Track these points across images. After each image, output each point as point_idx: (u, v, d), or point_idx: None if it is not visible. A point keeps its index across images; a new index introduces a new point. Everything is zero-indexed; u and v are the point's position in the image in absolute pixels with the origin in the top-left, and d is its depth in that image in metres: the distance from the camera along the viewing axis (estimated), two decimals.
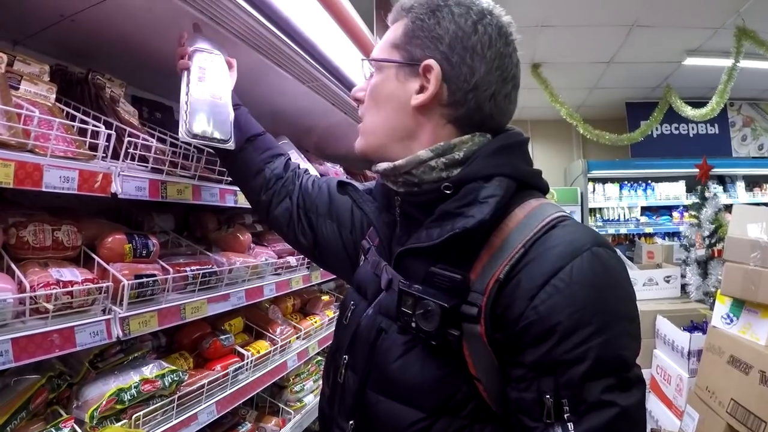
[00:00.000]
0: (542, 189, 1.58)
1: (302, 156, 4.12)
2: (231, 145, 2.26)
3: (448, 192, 1.46)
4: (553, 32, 8.62)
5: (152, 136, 2.58)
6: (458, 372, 1.38)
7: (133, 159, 2.19)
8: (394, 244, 1.67)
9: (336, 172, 5.05)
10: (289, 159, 2.42)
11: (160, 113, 3.12)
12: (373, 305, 1.63)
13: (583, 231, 1.37)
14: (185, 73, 2.31)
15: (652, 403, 5.02)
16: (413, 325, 1.38)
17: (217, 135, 2.20)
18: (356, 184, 1.87)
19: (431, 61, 1.48)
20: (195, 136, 2.15)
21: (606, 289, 1.29)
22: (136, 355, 2.38)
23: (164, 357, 2.62)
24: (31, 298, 1.75)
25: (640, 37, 8.90)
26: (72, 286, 1.87)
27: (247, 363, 2.94)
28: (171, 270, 2.33)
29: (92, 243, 2.23)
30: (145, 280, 2.17)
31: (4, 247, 1.94)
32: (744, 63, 8.87)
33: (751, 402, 2.92)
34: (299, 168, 2.39)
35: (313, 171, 3.76)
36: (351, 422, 1.57)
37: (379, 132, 1.61)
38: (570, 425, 1.21)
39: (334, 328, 1.90)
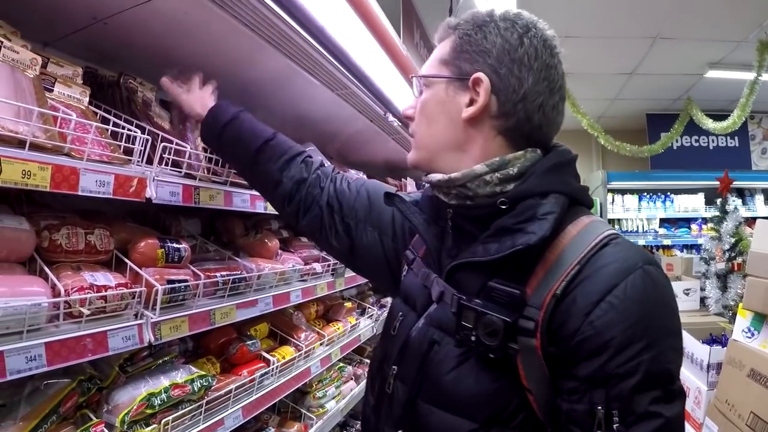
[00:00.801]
0: (589, 205, 1.61)
1: (328, 164, 4.09)
2: None
3: (503, 207, 1.48)
4: (577, 43, 8.59)
5: (183, 140, 2.55)
6: (511, 384, 1.41)
7: (166, 164, 2.19)
8: (443, 256, 1.68)
9: (358, 178, 5.01)
10: (309, 156, 2.35)
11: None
12: (423, 317, 1.65)
13: (634, 249, 1.42)
14: None
15: None
16: (473, 338, 1.41)
17: None
18: (402, 195, 1.84)
19: (480, 74, 1.51)
20: None
21: (656, 306, 1.34)
22: (165, 359, 2.39)
23: (191, 361, 2.64)
24: (65, 302, 1.75)
25: (662, 50, 8.89)
26: (106, 291, 1.88)
27: (273, 368, 2.96)
28: (202, 275, 2.34)
29: (124, 247, 2.24)
30: (177, 285, 2.18)
31: (37, 251, 1.93)
32: (766, 76, 8.84)
33: None
34: (324, 166, 2.35)
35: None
36: (399, 431, 1.59)
37: (432, 145, 1.65)
38: None
39: (380, 336, 1.92)
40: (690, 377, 4.53)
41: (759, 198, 12.85)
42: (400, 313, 1.76)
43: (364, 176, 5.01)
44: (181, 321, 2.16)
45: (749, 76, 8.85)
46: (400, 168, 6.79)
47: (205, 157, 2.47)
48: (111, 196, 1.83)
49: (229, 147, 2.31)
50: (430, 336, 1.58)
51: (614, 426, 1.28)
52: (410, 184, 6.29)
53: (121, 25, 2.33)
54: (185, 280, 2.23)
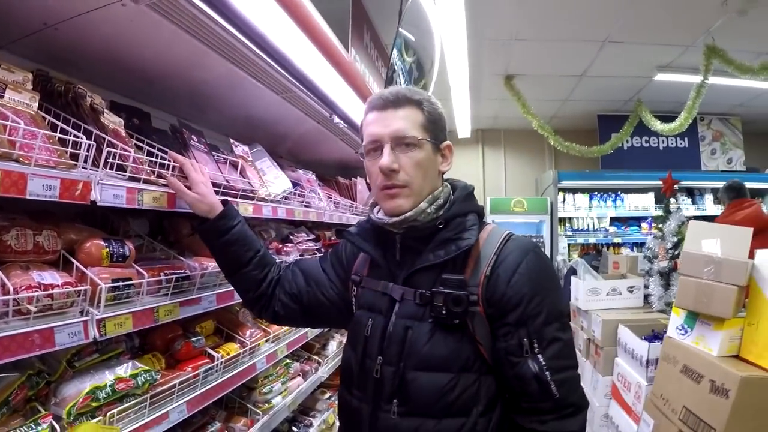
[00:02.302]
0: (484, 216, 2.36)
1: (275, 164, 4.21)
2: None
3: (441, 226, 2.16)
4: (526, 45, 8.74)
5: (140, 147, 2.69)
6: (468, 341, 2.07)
7: (111, 168, 2.28)
8: (394, 268, 2.27)
9: (308, 179, 5.16)
10: (276, 263, 2.76)
11: (138, 119, 3.13)
12: (393, 314, 2.19)
13: (526, 241, 2.19)
14: None
15: (614, 409, 5.09)
16: (444, 312, 2.03)
17: None
18: (348, 230, 2.45)
19: (449, 142, 2.32)
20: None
21: (544, 272, 2.16)
22: (110, 355, 2.46)
23: (138, 357, 2.69)
24: (14, 300, 1.82)
25: (611, 53, 9.08)
26: (52, 289, 1.96)
27: (217, 364, 3.03)
28: (146, 274, 2.42)
29: (71, 247, 2.32)
30: (121, 284, 2.27)
31: None
32: (715, 79, 9.10)
33: (702, 410, 3.03)
34: (281, 267, 2.77)
35: (284, 180, 3.88)
36: (395, 401, 2.08)
37: (425, 194, 2.21)
38: (539, 356, 1.99)
39: (348, 346, 2.39)
40: (631, 372, 4.65)
41: (708, 197, 13.32)
42: (369, 320, 2.25)
43: (313, 176, 5.26)
44: (125, 318, 2.24)
45: (697, 79, 9.07)
46: (351, 167, 6.94)
47: (150, 161, 2.54)
48: (57, 200, 1.91)
49: (227, 246, 2.61)
50: (403, 325, 2.14)
51: (535, 350, 2.00)
52: (360, 183, 6.41)
53: (72, 31, 2.42)
54: (129, 279, 2.33)
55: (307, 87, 3.66)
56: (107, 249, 2.34)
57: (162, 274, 2.59)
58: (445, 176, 2.38)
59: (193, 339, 3.03)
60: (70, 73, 2.77)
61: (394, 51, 5.09)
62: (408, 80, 5.64)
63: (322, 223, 5.17)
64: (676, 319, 3.61)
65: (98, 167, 2.19)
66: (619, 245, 13.37)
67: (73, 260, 2.23)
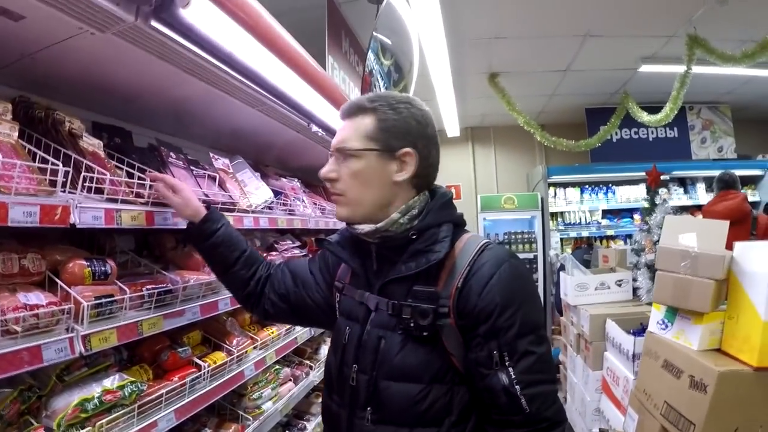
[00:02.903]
0: (464, 225, 2.31)
1: (256, 175, 4.32)
2: None
3: (413, 237, 2.12)
4: (507, 43, 8.77)
5: (120, 168, 2.79)
6: (439, 352, 2.06)
7: (90, 191, 2.38)
8: (371, 277, 2.26)
9: (293, 187, 5.27)
10: (265, 262, 2.85)
11: (120, 138, 3.22)
12: (369, 323, 2.20)
13: (501, 250, 2.14)
14: None
15: (604, 403, 5.11)
16: (412, 324, 2.03)
17: None
18: (328, 238, 2.44)
19: (409, 149, 2.16)
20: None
21: (519, 283, 2.09)
22: (99, 368, 2.56)
23: (126, 369, 2.78)
24: (1, 320, 1.93)
25: (593, 47, 9.07)
26: (38, 309, 2.07)
27: (204, 373, 3.11)
28: (128, 290, 2.53)
29: (56, 268, 2.43)
30: (103, 300, 2.38)
31: None
32: (702, 68, 9.09)
33: (682, 405, 3.03)
34: (270, 266, 2.83)
35: (266, 190, 3.97)
36: (368, 408, 2.11)
37: (367, 204, 2.18)
38: (510, 369, 1.95)
39: (331, 350, 2.45)
40: (619, 366, 4.64)
41: (700, 186, 13.18)
42: (347, 327, 2.29)
43: (298, 183, 5.40)
44: (110, 333, 2.34)
45: (681, 69, 9.09)
46: None
47: (126, 182, 2.64)
48: (38, 225, 2.01)
49: (213, 248, 2.75)
50: (376, 334, 2.14)
51: (506, 363, 1.95)
52: None
53: (48, 59, 2.51)
54: (111, 296, 2.43)
55: (281, 99, 3.73)
56: (89, 268, 2.46)
57: (144, 289, 2.69)
58: (441, 180, 2.31)
59: (180, 350, 3.12)
60: (51, 97, 2.86)
61: (370, 54, 5.17)
62: (387, 82, 5.71)
63: (309, 230, 5.19)
64: (657, 313, 3.59)
65: (77, 191, 2.30)
66: (612, 237, 13.24)
67: (57, 280, 2.34)
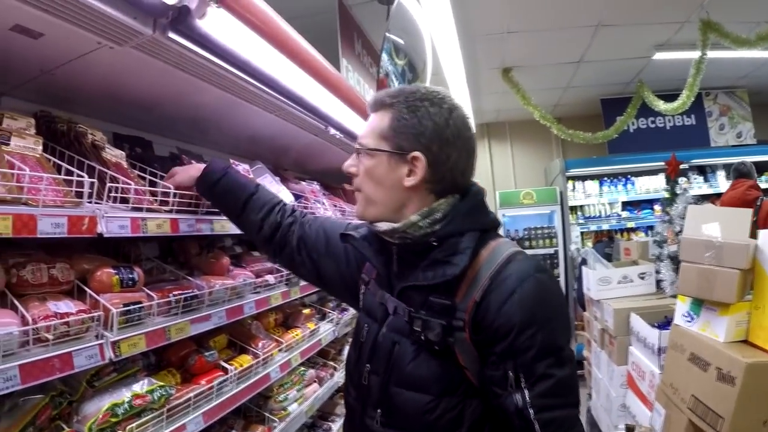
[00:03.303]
0: (496, 227, 2.18)
1: (276, 179, 4.33)
2: None
3: (435, 243, 2.01)
4: (519, 37, 8.77)
5: (143, 177, 2.86)
6: (453, 365, 1.96)
7: (115, 201, 2.45)
8: (393, 278, 2.17)
9: (312, 190, 5.30)
10: (284, 206, 2.83)
11: (141, 148, 3.30)
12: (384, 326, 2.15)
13: (528, 263, 1.98)
14: None
15: (630, 399, 5.03)
16: (423, 338, 1.95)
17: None
18: (353, 233, 2.33)
19: (418, 153, 2.01)
20: None
21: (542, 301, 1.92)
22: (128, 373, 2.59)
23: (154, 374, 2.82)
24: (33, 329, 1.98)
25: (606, 36, 9.03)
26: (68, 317, 2.12)
27: (231, 376, 3.14)
28: (155, 296, 2.57)
29: (84, 276, 2.47)
30: (131, 307, 2.43)
31: (7, 286, 2.17)
32: (717, 53, 9.02)
33: (710, 398, 2.95)
34: (295, 213, 2.81)
35: (286, 194, 3.99)
36: (378, 411, 2.08)
37: (379, 204, 2.11)
38: (526, 391, 1.83)
39: (352, 342, 2.45)
40: (645, 361, 4.53)
41: (720, 174, 12.96)
42: (365, 325, 2.26)
43: (317, 186, 5.44)
44: (139, 338, 2.38)
45: (696, 55, 9.02)
46: None
47: (150, 190, 2.70)
48: (66, 236, 2.06)
49: (219, 199, 2.85)
50: (391, 339, 2.09)
51: (521, 384, 1.84)
52: None
53: (68, 73, 2.55)
54: (139, 302, 2.48)
55: (298, 104, 3.75)
56: (117, 276, 2.50)
57: (171, 295, 2.73)
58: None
59: (207, 353, 3.15)
60: (72, 110, 2.91)
61: (384, 55, 5.19)
62: (402, 82, 5.74)
63: None
64: (682, 306, 3.50)
65: (102, 201, 2.36)
66: (633, 230, 13.06)
67: (86, 289, 2.39)
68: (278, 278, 3.88)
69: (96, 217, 2.21)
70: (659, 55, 10.03)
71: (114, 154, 2.78)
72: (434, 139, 2.01)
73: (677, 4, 8.01)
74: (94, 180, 2.29)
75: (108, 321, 2.29)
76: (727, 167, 12.34)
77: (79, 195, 2.22)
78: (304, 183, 5.29)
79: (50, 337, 2.03)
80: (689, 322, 3.41)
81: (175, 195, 2.78)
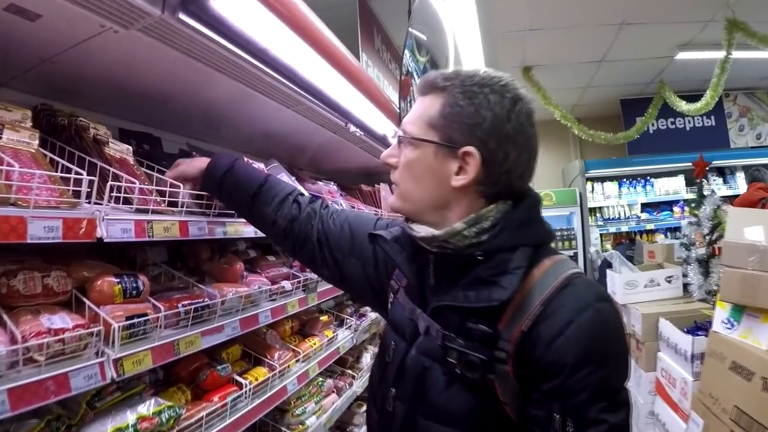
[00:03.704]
0: (551, 241, 1.88)
1: (293, 179, 4.12)
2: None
3: (480, 258, 1.73)
4: (542, 35, 8.68)
5: (150, 176, 2.65)
6: (491, 399, 1.68)
7: (118, 201, 2.22)
8: (427, 291, 1.91)
9: (329, 190, 5.10)
10: (300, 195, 2.58)
11: (149, 145, 3.14)
12: (414, 346, 1.89)
13: (589, 289, 1.69)
14: None
15: (659, 406, 5.02)
16: (457, 371, 1.69)
17: None
18: (383, 233, 2.02)
19: (471, 149, 1.70)
20: None
21: (602, 337, 1.62)
22: (132, 392, 2.39)
23: (162, 391, 2.64)
24: (24, 348, 1.76)
25: (629, 35, 8.99)
26: (63, 334, 1.89)
27: (246, 391, 2.96)
28: (162, 307, 2.36)
29: (83, 286, 2.25)
30: (136, 320, 2.20)
31: None
32: (737, 53, 8.96)
33: (754, 409, 2.89)
34: (315, 203, 2.55)
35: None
36: None
37: (418, 201, 1.84)
38: None
39: (376, 358, 2.18)
40: (675, 368, 4.53)
41: (740, 176, 13.06)
42: (392, 343, 2.00)
43: (335, 187, 5.23)
44: (144, 354, 2.17)
45: (720, 54, 8.96)
46: (373, 173, 6.82)
47: (157, 190, 2.49)
48: (61, 240, 1.84)
49: (228, 195, 2.61)
50: (422, 363, 1.83)
51: (568, 430, 1.56)
52: (383, 189, 6.31)
53: (70, 62, 2.37)
54: (144, 314, 2.25)
55: (318, 98, 3.57)
56: (119, 285, 2.28)
57: (180, 305, 2.52)
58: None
59: (219, 367, 2.95)
60: (76, 104, 2.73)
61: (406, 52, 5.00)
62: None
63: None
64: (721, 312, 3.47)
65: (103, 202, 2.13)
66: (652, 231, 13.27)
67: (85, 300, 2.17)
68: (295, 284, 3.69)
69: (95, 220, 1.99)
70: (682, 55, 10.06)
71: (119, 150, 2.57)
72: (492, 133, 1.71)
73: (703, 2, 7.99)
74: (94, 178, 2.06)
75: (109, 336, 2.07)
76: (746, 169, 12.39)
77: (77, 195, 2.00)
78: (320, 183, 5.11)
79: (41, 358, 1.81)
80: (729, 329, 3.39)
81: (184, 195, 2.58)
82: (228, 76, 2.82)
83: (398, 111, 4.72)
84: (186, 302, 2.57)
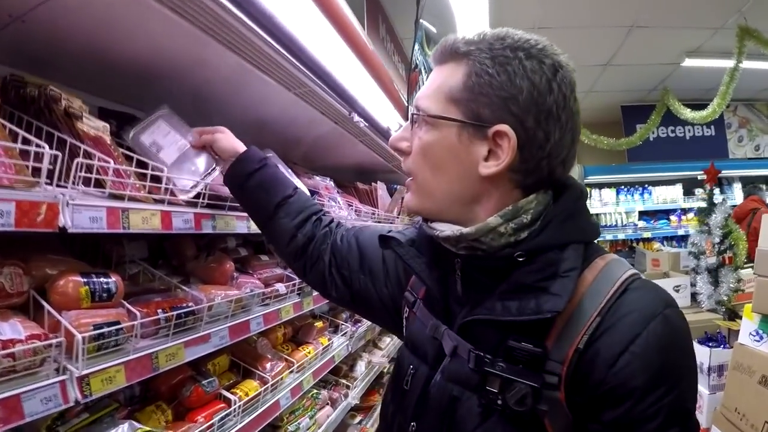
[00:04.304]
0: (595, 238, 1.55)
1: (289, 171, 3.86)
2: (219, 168, 2.43)
3: (520, 260, 1.39)
4: (550, 34, 8.15)
5: (129, 158, 2.27)
6: None
7: (88, 183, 1.86)
8: (452, 303, 1.59)
9: (326, 186, 4.84)
10: (323, 214, 2.33)
11: (131, 127, 2.74)
12: (439, 371, 1.54)
13: (654, 294, 1.38)
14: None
15: None
16: (499, 402, 1.33)
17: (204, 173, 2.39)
18: (396, 234, 1.72)
19: (505, 127, 1.37)
20: (194, 187, 2.32)
21: (675, 351, 1.33)
22: (102, 413, 2.04)
23: (138, 411, 2.35)
24: None
25: (638, 39, 8.93)
26: (14, 346, 1.53)
27: (235, 409, 2.67)
28: (138, 314, 2.01)
29: (44, 286, 1.90)
30: (105, 330, 1.84)
31: None
32: (743, 63, 8.91)
33: None
34: (332, 223, 2.31)
35: (302, 188, 3.54)
36: None
37: (439, 196, 1.51)
38: None
39: (390, 384, 1.83)
40: None
41: (737, 186, 13.29)
42: (411, 366, 1.66)
43: (331, 183, 5.06)
44: (116, 371, 1.83)
45: (727, 63, 8.91)
46: (370, 171, 6.63)
47: (137, 172, 2.13)
48: (13, 229, 1.48)
49: (249, 196, 2.33)
50: (450, 392, 1.49)
51: None
52: (380, 188, 6.10)
53: (42, 23, 2.05)
54: (116, 322, 1.90)
55: (324, 80, 3.24)
56: (87, 286, 1.91)
57: (160, 310, 2.18)
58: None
59: (205, 382, 2.64)
60: (51, 77, 2.36)
61: (416, 45, 4.71)
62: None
63: None
64: (749, 324, 3.34)
65: (74, 184, 1.77)
66: (649, 240, 13.37)
67: (44, 304, 1.81)
68: (290, 287, 3.39)
69: (57, 204, 1.62)
70: (688, 62, 10.08)
71: (94, 126, 2.19)
72: (530, 107, 1.36)
73: (715, 7, 7.95)
74: (58, 153, 1.69)
75: (73, 349, 1.71)
76: (743, 179, 13.03)
77: (38, 173, 1.63)
78: (317, 178, 4.86)
79: None
80: (758, 341, 3.31)
81: (168, 180, 2.25)
82: (225, 46, 2.48)
83: (406, 106, 4.45)
84: (167, 307, 2.24)
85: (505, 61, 1.37)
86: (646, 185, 13.66)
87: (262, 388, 2.96)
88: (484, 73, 1.38)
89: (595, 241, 1.52)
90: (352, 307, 2.22)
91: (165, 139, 2.42)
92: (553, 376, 1.33)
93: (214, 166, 2.37)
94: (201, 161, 2.36)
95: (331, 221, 2.30)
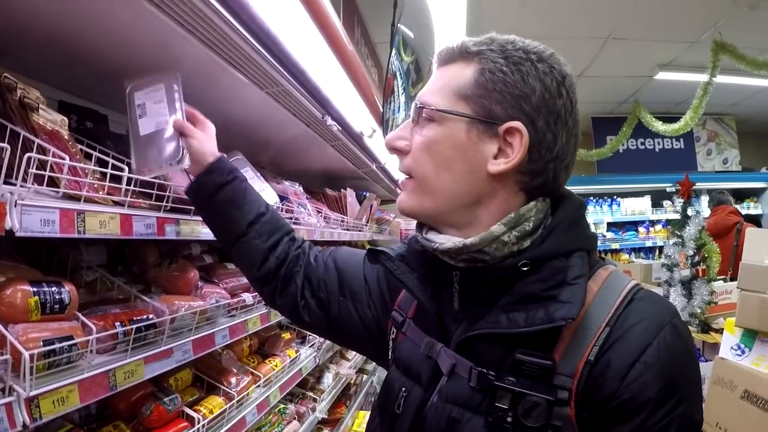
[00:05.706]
0: (594, 249, 1.52)
1: (258, 174, 3.74)
2: (185, 164, 2.13)
3: (525, 269, 1.36)
4: None
5: (89, 156, 2.10)
6: None
7: (42, 182, 1.69)
8: (447, 320, 1.52)
9: (296, 191, 4.71)
10: (293, 235, 2.20)
11: (92, 122, 2.70)
12: (436, 392, 1.47)
13: (660, 303, 1.38)
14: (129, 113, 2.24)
15: None
16: (509, 419, 1.28)
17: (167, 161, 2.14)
18: (385, 249, 1.66)
19: (518, 124, 1.36)
20: (150, 170, 2.12)
21: (685, 361, 1.32)
22: None
23: (95, 431, 2.19)
24: None
25: (613, 51, 9.08)
26: None
27: (199, 429, 2.54)
28: (94, 328, 1.84)
29: None
30: (57, 345, 1.67)
31: None
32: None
33: None
34: (304, 243, 2.19)
35: (270, 193, 3.53)
36: None
37: (440, 195, 1.45)
38: None
39: (377, 409, 1.73)
40: None
41: (704, 199, 13.25)
42: (403, 389, 1.57)
43: (300, 188, 4.95)
44: (68, 390, 1.67)
45: (699, 77, 9.13)
46: (339, 177, 6.58)
47: (95, 170, 1.97)
48: None
49: (216, 212, 2.14)
50: (448, 413, 1.41)
51: None
52: (350, 195, 6.03)
53: (5, 11, 1.91)
54: (69, 337, 1.73)
55: (299, 80, 3.10)
56: (36, 297, 1.74)
57: (118, 323, 2.02)
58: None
59: (166, 399, 2.48)
60: (10, 68, 2.16)
61: (393, 51, 4.59)
62: (405, 82, 5.32)
63: (315, 241, 4.57)
64: (731, 338, 3.39)
65: (25, 182, 1.59)
66: (617, 251, 13.55)
67: None
68: (257, 297, 3.24)
69: (5, 205, 1.45)
70: (662, 75, 10.30)
71: (50, 119, 2.04)
72: (542, 108, 1.36)
73: (691, 22, 8.17)
74: (7, 146, 1.53)
75: (20, 368, 1.54)
76: (711, 192, 12.91)
77: None
78: (286, 183, 4.72)
79: None
80: (739, 355, 3.34)
81: (132, 182, 2.07)
82: (196, 38, 2.31)
83: (381, 111, 4.33)
84: (126, 319, 2.07)
85: (519, 61, 1.37)
86: (615, 197, 13.76)
87: (228, 405, 2.84)
88: (498, 70, 1.37)
89: None
90: (327, 333, 2.10)
91: (154, 106, 2.23)
92: (564, 391, 1.28)
93: (179, 157, 2.13)
94: (170, 147, 2.14)
95: (304, 241, 2.20)
